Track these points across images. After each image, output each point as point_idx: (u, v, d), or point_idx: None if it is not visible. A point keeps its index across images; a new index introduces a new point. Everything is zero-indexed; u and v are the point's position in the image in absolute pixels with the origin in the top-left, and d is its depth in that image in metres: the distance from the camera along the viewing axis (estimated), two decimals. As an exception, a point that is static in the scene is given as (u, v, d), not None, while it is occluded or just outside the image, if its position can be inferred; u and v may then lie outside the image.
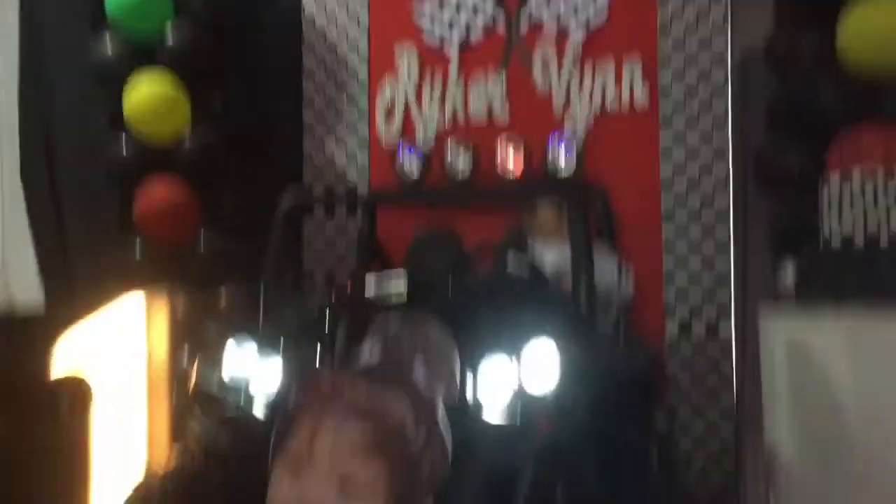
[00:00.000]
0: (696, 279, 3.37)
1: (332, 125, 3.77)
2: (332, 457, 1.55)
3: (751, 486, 2.83)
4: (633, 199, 3.34)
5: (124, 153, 3.49)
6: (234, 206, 3.51)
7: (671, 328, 3.37)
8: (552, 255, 2.72)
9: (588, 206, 2.59)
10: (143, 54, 3.47)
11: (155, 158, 3.48)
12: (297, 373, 1.81)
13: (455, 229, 3.17)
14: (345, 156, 3.75)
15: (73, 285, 3.71)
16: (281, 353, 1.96)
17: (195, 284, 3.32)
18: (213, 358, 2.04)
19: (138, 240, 3.48)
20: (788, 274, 2.56)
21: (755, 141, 3.17)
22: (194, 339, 2.53)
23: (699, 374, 3.34)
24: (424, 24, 3.64)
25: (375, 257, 3.42)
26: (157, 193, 3.43)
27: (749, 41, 3.26)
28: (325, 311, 2.02)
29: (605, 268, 2.74)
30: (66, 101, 3.82)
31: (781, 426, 2.33)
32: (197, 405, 2.04)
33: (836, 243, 2.38)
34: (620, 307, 2.74)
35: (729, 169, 3.37)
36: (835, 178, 2.40)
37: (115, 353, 2.85)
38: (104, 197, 3.66)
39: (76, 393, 2.56)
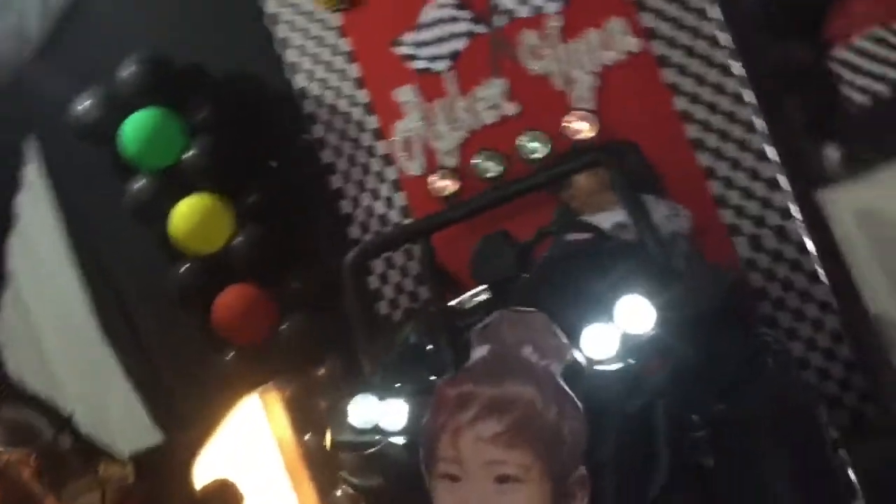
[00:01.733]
0: (748, 193, 3.42)
1: (361, 181, 3.91)
2: (480, 456, 1.67)
3: (874, 364, 2.85)
4: (659, 144, 3.41)
5: (185, 275, 3.69)
6: (301, 287, 3.67)
7: (741, 247, 3.41)
8: (605, 221, 2.82)
9: (621, 161, 2.67)
10: (172, 182, 3.69)
11: (215, 268, 3.67)
12: (421, 398, 1.92)
13: (506, 230, 3.30)
14: (382, 204, 3.89)
15: (183, 407, 3.90)
16: (399, 389, 2.07)
17: (294, 367, 3.49)
18: (338, 418, 2.16)
19: (227, 349, 3.67)
20: (832, 154, 2.60)
21: (757, 41, 3.23)
22: (315, 414, 2.66)
23: (785, 280, 3.37)
24: (410, 57, 3.78)
25: (444, 282, 3.55)
26: (229, 301, 3.61)
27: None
28: (423, 339, 2.13)
29: (659, 211, 2.82)
30: (118, 247, 4.06)
31: (881, 296, 2.36)
32: (339, 455, 2.16)
33: (865, 102, 2.42)
34: (684, 245, 2.81)
35: (744, 79, 3.41)
36: (841, 49, 2.45)
37: (248, 453, 3.02)
38: (182, 320, 3.86)
39: (227, 498, 2.71)
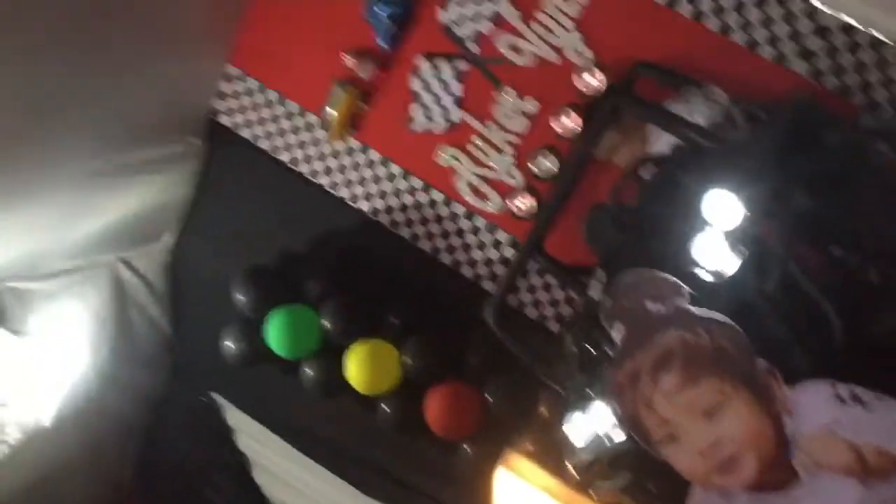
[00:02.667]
0: (763, 20, 3.42)
1: (462, 244, 4.16)
2: (679, 407, 1.83)
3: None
4: (670, 44, 3.48)
5: (388, 413, 4.03)
6: (481, 359, 3.93)
7: (798, 67, 3.41)
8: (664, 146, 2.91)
9: (632, 94, 2.77)
10: (329, 350, 4.07)
11: (407, 391, 3.99)
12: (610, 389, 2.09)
13: (597, 203, 3.44)
14: (492, 249, 4.12)
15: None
16: (592, 395, 2.26)
17: (517, 429, 3.72)
18: (566, 447, 2.37)
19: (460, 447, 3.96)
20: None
21: None
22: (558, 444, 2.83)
23: (840, 65, 3.34)
24: (427, 127, 4.04)
25: (578, 276, 3.70)
26: (435, 409, 3.90)
27: None
28: (581, 344, 2.33)
29: (712, 101, 2.87)
30: (337, 429, 4.45)
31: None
32: (584, 477, 2.35)
33: None
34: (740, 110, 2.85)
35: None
36: None
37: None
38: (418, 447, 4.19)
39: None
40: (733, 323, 1.83)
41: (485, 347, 3.91)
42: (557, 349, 2.57)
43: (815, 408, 1.79)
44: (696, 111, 2.78)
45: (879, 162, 2.36)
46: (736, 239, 2.02)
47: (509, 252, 4.08)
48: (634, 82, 2.86)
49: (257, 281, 4.12)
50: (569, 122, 3.55)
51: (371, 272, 4.22)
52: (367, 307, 4.08)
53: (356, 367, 3.95)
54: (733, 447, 1.80)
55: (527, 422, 3.70)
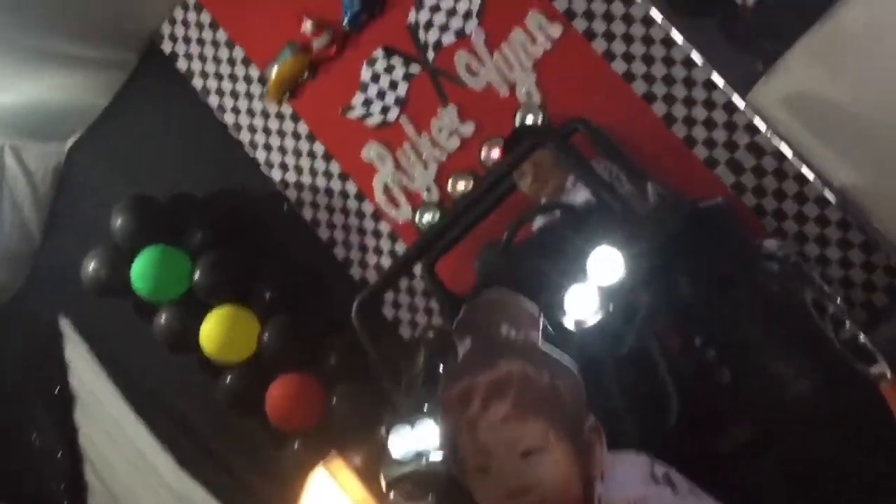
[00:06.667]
0: (709, 124, 3.48)
1: (360, 243, 4.08)
2: (500, 440, 1.76)
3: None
4: (614, 110, 3.52)
5: (230, 384, 3.86)
6: (338, 359, 3.82)
7: (725, 176, 3.47)
8: (575, 199, 2.92)
9: (561, 137, 2.77)
10: (190, 305, 3.89)
11: (256, 369, 3.84)
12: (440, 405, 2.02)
13: (490, 241, 3.40)
14: (387, 257, 4.04)
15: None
16: (426, 412, 2.18)
17: (359, 435, 3.62)
18: (384, 458, 2.28)
19: (290, 440, 3.82)
20: (753, 59, 2.68)
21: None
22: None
23: (776, 192, 3.42)
24: (364, 117, 3.97)
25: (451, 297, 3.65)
26: (278, 396, 3.77)
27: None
28: (434, 359, 2.26)
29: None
30: (170, 380, 4.27)
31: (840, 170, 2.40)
32: (390, 492, 2.27)
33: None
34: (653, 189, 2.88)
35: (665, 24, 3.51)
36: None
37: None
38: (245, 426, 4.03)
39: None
40: (578, 373, 1.79)
41: (346, 351, 3.80)
42: (410, 359, 2.50)
43: (628, 480, 1.74)
44: (615, 178, 2.79)
45: (765, 285, 2.41)
46: (607, 297, 2.00)
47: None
48: (570, 135, 2.87)
49: (142, 211, 3.94)
50: (497, 154, 3.54)
51: (259, 241, 4.09)
52: (244, 273, 3.94)
53: (213, 328, 3.79)
54: (539, 496, 1.74)
55: (362, 433, 3.60)
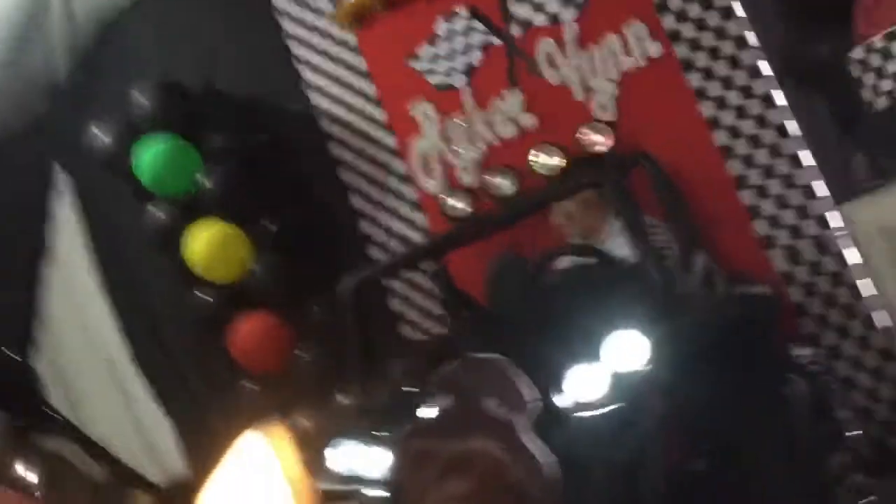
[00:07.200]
0: (782, 202, 3.19)
1: (381, 200, 3.82)
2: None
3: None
4: (685, 153, 3.23)
5: (203, 303, 3.64)
6: (321, 316, 3.58)
7: (777, 260, 3.19)
8: (618, 248, 2.66)
9: (622, 178, 2.49)
10: (189, 209, 3.65)
11: (233, 296, 3.62)
12: (397, 448, 1.80)
13: (519, 250, 3.15)
14: (402, 223, 3.78)
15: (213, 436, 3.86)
16: (385, 436, 1.95)
17: (315, 398, 3.41)
18: (321, 462, 2.06)
19: (247, 377, 3.61)
20: (860, 163, 2.38)
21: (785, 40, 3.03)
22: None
23: (826, 295, 3.13)
24: (426, 72, 3.67)
25: (464, 304, 3.41)
26: (245, 330, 3.55)
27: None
28: (410, 380, 2.01)
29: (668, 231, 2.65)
30: (148, 273, 4.06)
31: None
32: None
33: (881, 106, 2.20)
34: (702, 263, 2.61)
35: (773, 79, 3.19)
36: (860, 50, 2.24)
37: (258, 490, 2.92)
38: (208, 349, 3.82)
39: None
40: (559, 473, 1.55)
41: (332, 311, 3.56)
42: (383, 370, 2.27)
43: None
44: (660, 238, 2.54)
45: (792, 420, 2.18)
46: (620, 387, 1.75)
47: (416, 237, 3.74)
48: (631, 167, 2.59)
49: (166, 95, 3.66)
50: (549, 161, 3.26)
51: (279, 165, 3.82)
52: (254, 194, 3.68)
53: (202, 239, 3.56)
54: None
55: (316, 402, 3.39)
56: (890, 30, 2.22)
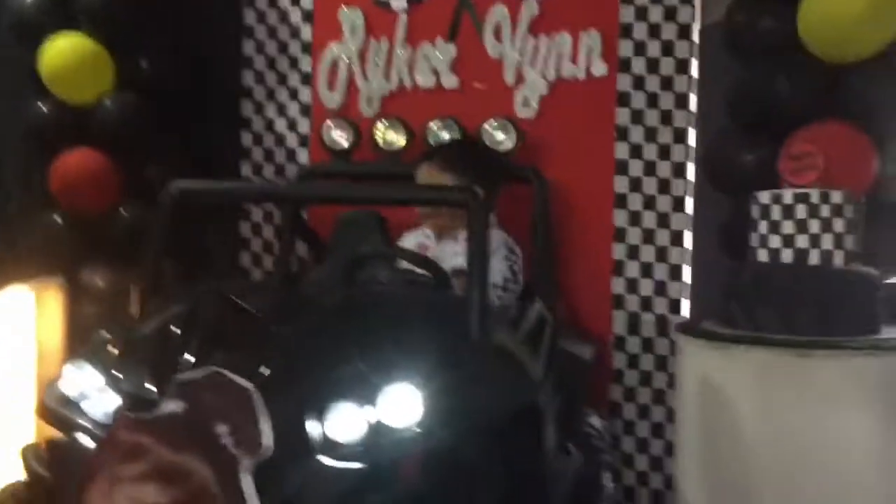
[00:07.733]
0: (648, 270, 3.12)
1: (273, 89, 3.52)
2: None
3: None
4: (582, 182, 3.11)
5: (43, 114, 3.28)
6: (160, 179, 3.29)
7: (618, 322, 3.14)
8: (451, 256, 2.54)
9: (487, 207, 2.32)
10: (62, 15, 3.25)
11: (75, 123, 3.27)
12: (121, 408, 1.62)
13: (379, 212, 2.98)
14: (285, 123, 3.51)
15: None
16: (127, 379, 1.75)
17: (113, 265, 3.17)
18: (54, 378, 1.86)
19: (58, 211, 3.31)
20: (735, 308, 2.27)
21: (717, 126, 2.92)
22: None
23: (644, 374, 3.12)
24: (369, -19, 3.35)
25: (311, 245, 3.22)
26: (75, 161, 3.23)
27: (718, 13, 2.96)
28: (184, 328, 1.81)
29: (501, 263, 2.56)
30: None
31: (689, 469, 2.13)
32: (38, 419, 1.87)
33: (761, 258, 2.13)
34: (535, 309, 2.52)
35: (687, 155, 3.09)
36: (765, 196, 2.14)
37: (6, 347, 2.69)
38: (28, 166, 3.47)
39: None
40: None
41: (176, 174, 3.28)
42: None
43: None
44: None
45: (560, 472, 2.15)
46: (377, 444, 1.61)
47: (293, 142, 3.48)
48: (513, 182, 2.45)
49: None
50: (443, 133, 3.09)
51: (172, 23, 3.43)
52: (133, 16, 3.28)
53: (66, 46, 3.17)
54: None
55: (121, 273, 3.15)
56: (800, 191, 2.11)
